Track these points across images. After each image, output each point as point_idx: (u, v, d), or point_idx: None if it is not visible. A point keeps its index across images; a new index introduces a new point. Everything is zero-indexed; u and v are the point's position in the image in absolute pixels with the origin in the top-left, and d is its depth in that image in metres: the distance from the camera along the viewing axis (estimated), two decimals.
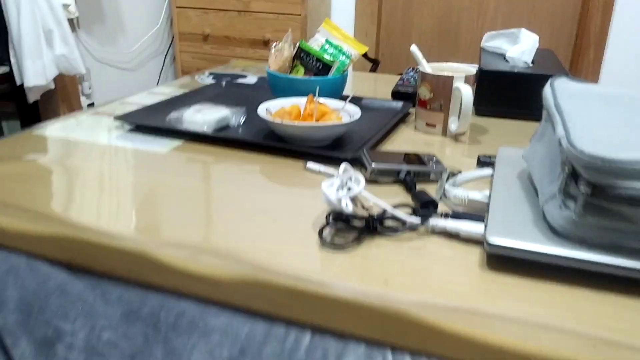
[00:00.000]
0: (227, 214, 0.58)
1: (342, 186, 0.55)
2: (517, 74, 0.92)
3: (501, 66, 0.96)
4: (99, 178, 0.66)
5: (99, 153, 0.74)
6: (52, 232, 0.54)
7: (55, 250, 0.55)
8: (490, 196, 0.56)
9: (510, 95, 0.93)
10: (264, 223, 0.56)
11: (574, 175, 0.46)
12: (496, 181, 0.60)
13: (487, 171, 0.68)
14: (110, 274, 0.53)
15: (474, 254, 0.51)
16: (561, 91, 0.55)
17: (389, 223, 0.55)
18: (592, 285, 0.47)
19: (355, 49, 0.91)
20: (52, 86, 2.03)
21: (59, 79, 2.13)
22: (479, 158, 0.72)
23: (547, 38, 2.42)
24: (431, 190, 0.64)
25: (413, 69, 1.14)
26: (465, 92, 0.78)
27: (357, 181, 0.56)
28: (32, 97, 1.97)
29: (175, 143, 0.78)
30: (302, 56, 0.90)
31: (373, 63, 1.70)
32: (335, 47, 0.91)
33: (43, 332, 0.53)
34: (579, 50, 2.35)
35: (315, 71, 0.90)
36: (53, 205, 0.59)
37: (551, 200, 0.49)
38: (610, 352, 0.40)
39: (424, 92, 0.83)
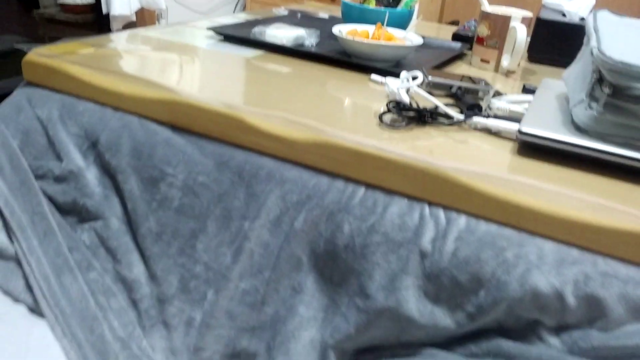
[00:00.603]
0: (302, 97, 0.69)
1: (402, 82, 0.65)
2: (571, 25, 0.99)
3: (557, 18, 1.02)
4: (199, 64, 0.79)
5: (195, 50, 0.87)
6: (160, 96, 0.67)
7: (162, 112, 0.68)
8: (528, 107, 0.65)
9: (563, 45, 1.00)
10: (334, 107, 0.67)
11: (600, 82, 0.55)
12: (536, 97, 0.69)
13: (530, 97, 0.77)
14: (206, 133, 0.66)
15: (509, 147, 0.61)
16: (601, 18, 0.63)
17: (438, 119, 0.65)
18: (604, 174, 0.56)
19: None
20: (134, 18, 2.19)
21: (140, 13, 2.28)
22: (524, 86, 0.81)
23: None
24: None
25: (474, 20, 1.21)
26: (520, 31, 0.86)
27: (415, 79, 0.66)
28: (115, 27, 2.14)
29: (258, 52, 0.90)
30: None
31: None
32: None
33: (149, 172, 0.66)
34: None
35: (385, 4, 0.99)
36: (161, 77, 0.71)
37: (579, 104, 0.58)
38: (607, 214, 0.50)
39: (483, 30, 0.92)
